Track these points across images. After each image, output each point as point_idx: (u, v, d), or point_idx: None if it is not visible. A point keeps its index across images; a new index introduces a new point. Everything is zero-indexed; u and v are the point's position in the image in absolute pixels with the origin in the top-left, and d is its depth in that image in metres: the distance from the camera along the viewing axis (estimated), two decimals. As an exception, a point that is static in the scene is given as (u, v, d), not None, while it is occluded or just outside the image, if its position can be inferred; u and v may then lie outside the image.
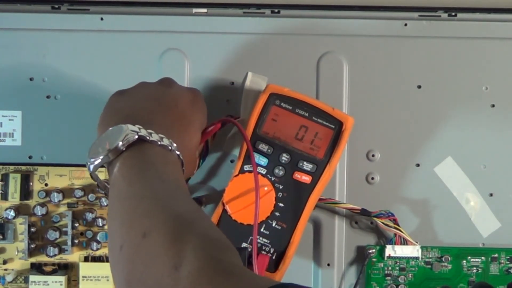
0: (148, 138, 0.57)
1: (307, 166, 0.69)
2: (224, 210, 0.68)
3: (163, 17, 0.75)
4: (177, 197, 0.56)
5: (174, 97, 0.64)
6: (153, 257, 0.50)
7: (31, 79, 0.75)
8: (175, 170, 0.59)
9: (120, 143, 0.56)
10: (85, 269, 0.72)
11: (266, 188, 0.68)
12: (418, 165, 0.75)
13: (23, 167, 0.74)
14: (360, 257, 0.75)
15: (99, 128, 0.62)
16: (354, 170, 0.75)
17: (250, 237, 0.67)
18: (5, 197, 0.73)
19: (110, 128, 0.58)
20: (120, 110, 0.62)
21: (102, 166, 0.59)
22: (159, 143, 0.58)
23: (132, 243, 0.52)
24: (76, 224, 0.73)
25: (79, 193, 0.72)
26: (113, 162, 0.57)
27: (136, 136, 0.57)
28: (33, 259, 0.73)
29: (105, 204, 0.72)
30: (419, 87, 0.75)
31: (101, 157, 0.57)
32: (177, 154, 0.59)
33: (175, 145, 0.59)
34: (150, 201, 0.54)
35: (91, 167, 0.58)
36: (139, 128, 0.58)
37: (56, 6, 0.75)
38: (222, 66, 0.75)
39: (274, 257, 0.68)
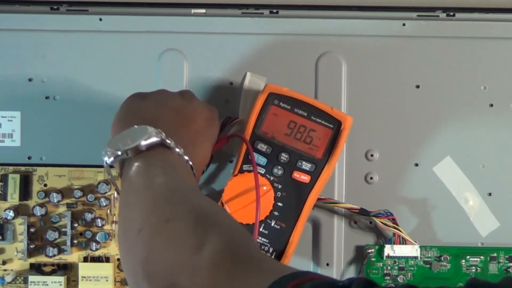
0: (169, 143, 0.59)
1: (306, 165, 0.69)
2: (223, 210, 0.68)
3: (162, 18, 0.75)
4: (198, 194, 0.57)
5: (193, 112, 0.65)
6: (175, 238, 0.51)
7: (30, 80, 0.75)
8: (191, 177, 0.61)
9: (143, 142, 0.57)
10: (84, 269, 0.72)
11: (265, 188, 0.68)
12: (417, 164, 0.75)
13: (22, 168, 0.74)
14: (359, 256, 0.75)
15: (116, 126, 0.63)
16: (353, 169, 0.75)
17: (249, 237, 0.67)
18: (4, 197, 0.73)
19: (135, 127, 0.59)
20: (140, 114, 0.63)
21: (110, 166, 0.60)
22: (176, 149, 0.59)
23: (152, 227, 0.52)
24: (75, 225, 0.73)
25: (78, 193, 0.72)
26: (131, 160, 0.58)
27: (159, 139, 0.58)
28: (33, 260, 0.73)
29: (104, 204, 0.72)
30: (418, 87, 0.75)
31: (120, 152, 0.58)
32: (191, 166, 0.61)
33: (186, 157, 0.60)
34: (173, 192, 0.55)
35: (109, 160, 0.59)
36: (161, 132, 0.59)
37: (55, 7, 0.76)
38: (221, 66, 0.75)
39: (273, 257, 0.68)
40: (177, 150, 0.59)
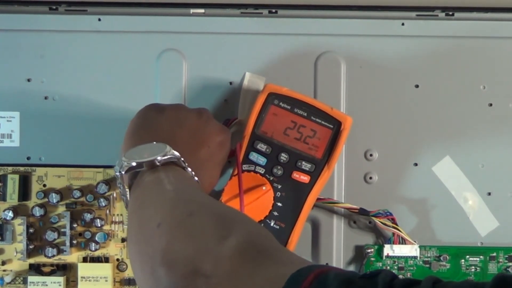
0: (184, 164, 0.60)
1: (306, 165, 0.69)
2: (223, 210, 0.68)
3: (161, 18, 0.75)
4: (215, 200, 0.58)
5: (209, 136, 0.66)
6: (199, 229, 0.51)
7: (29, 80, 0.75)
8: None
9: (159, 157, 0.58)
10: (83, 269, 0.72)
11: (264, 188, 0.68)
12: (416, 164, 0.75)
13: (22, 168, 0.74)
14: (359, 256, 0.75)
15: (130, 138, 0.63)
16: (352, 169, 0.75)
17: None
18: (3, 198, 0.73)
19: (154, 143, 0.61)
20: (155, 129, 0.64)
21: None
22: (189, 169, 0.60)
23: (174, 220, 0.52)
24: (75, 225, 0.73)
25: (77, 193, 0.72)
26: (145, 172, 0.59)
27: (175, 158, 0.59)
28: (32, 260, 0.73)
29: (103, 204, 0.72)
30: (417, 86, 0.75)
31: (135, 163, 0.59)
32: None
33: (196, 178, 0.61)
34: (194, 194, 0.56)
35: (123, 170, 0.59)
36: (178, 154, 0.60)
37: (54, 7, 0.76)
38: (220, 66, 0.75)
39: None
40: (189, 169, 0.61)
